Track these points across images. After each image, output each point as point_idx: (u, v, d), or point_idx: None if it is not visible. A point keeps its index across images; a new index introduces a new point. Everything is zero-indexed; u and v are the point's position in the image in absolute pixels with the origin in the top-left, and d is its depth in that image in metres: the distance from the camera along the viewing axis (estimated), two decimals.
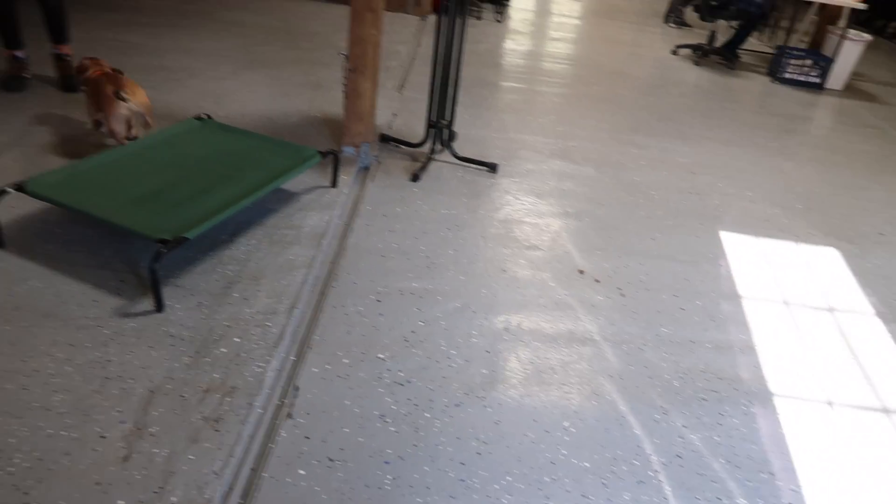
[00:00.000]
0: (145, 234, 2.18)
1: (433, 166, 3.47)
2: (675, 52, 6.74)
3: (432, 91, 3.41)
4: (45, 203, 2.46)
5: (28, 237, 2.41)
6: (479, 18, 7.10)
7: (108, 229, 2.50)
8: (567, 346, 2.32)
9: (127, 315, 2.12)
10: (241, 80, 4.22)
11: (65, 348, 1.95)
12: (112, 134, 2.88)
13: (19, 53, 3.58)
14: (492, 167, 3.51)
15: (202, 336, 2.08)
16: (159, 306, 2.15)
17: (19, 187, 2.32)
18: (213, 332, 2.10)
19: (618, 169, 3.79)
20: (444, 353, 2.19)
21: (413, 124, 3.97)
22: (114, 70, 3.01)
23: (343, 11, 6.35)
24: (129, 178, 2.53)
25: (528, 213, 3.17)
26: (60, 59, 3.68)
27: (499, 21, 7.11)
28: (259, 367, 1.99)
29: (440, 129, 3.48)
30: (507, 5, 7.64)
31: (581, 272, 2.75)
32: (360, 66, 3.17)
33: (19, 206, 2.54)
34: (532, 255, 2.82)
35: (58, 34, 3.62)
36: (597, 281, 2.71)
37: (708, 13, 6.37)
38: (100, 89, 2.86)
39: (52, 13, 3.54)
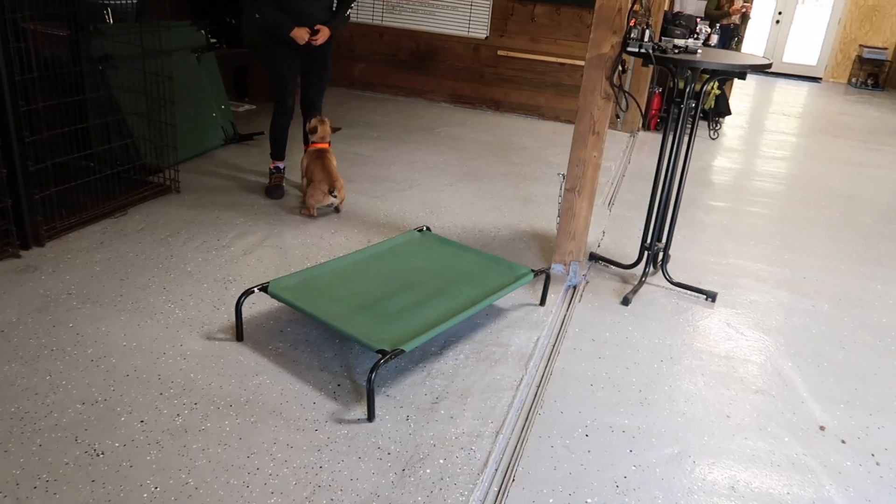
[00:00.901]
0: (366, 343, 2.26)
1: (645, 290, 3.31)
2: None
3: (650, 211, 3.30)
4: (279, 302, 2.68)
5: (263, 333, 2.62)
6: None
7: (331, 332, 2.64)
8: None
9: (340, 421, 2.18)
10: (457, 193, 4.42)
11: (284, 449, 2.03)
12: (308, 206, 3.75)
13: (281, 164, 4.12)
14: (710, 295, 3.26)
15: (408, 452, 2.06)
16: (371, 416, 2.19)
17: (263, 288, 2.56)
18: (419, 449, 2.08)
19: (859, 306, 3.35)
20: None
21: (622, 243, 3.86)
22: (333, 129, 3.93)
23: (553, 127, 6.54)
24: (354, 284, 2.68)
25: (754, 350, 2.86)
26: None
27: (713, 138, 6.88)
28: (462, 495, 1.92)
29: (655, 251, 3.33)
30: (721, 122, 7.40)
31: (822, 428, 2.39)
32: (577, 187, 3.17)
33: (259, 304, 2.79)
34: (760, 402, 2.51)
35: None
36: (842, 442, 2.33)
37: None
38: (313, 173, 3.71)
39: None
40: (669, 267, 3.41)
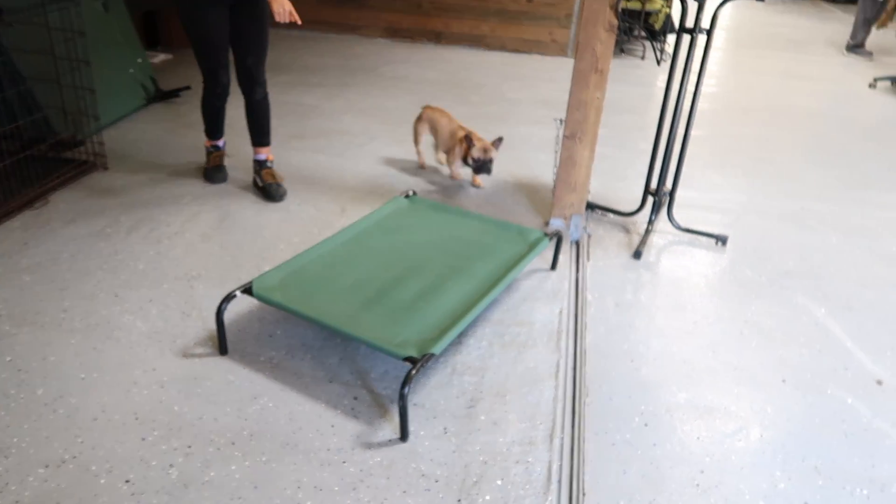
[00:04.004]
0: (388, 350, 1.90)
1: (652, 239, 3.06)
2: (873, 86, 5.99)
3: (654, 152, 3.02)
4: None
5: (250, 341, 2.21)
6: (642, 58, 6.66)
7: (330, 331, 2.26)
8: None
9: (370, 446, 1.83)
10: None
11: (312, 493, 1.68)
12: (452, 173, 3.53)
13: (219, 142, 3.32)
14: (721, 239, 3.04)
15: (459, 476, 1.75)
16: (404, 435, 1.86)
17: (246, 290, 2.13)
18: (469, 470, 1.78)
19: (867, 237, 3.21)
20: None
21: (613, 186, 3.58)
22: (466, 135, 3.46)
23: (501, 59, 6.12)
24: (351, 272, 2.29)
25: (782, 299, 2.67)
26: (263, 166, 3.22)
27: (663, 60, 6.62)
28: None
29: (661, 196, 3.06)
30: (666, 42, 7.14)
31: (880, 383, 2.23)
32: (578, 133, 2.83)
33: (237, 304, 2.36)
34: (809, 359, 2.32)
35: (260, 135, 3.20)
36: None
37: None
38: (437, 124, 3.56)
39: (258, 107, 3.13)
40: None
